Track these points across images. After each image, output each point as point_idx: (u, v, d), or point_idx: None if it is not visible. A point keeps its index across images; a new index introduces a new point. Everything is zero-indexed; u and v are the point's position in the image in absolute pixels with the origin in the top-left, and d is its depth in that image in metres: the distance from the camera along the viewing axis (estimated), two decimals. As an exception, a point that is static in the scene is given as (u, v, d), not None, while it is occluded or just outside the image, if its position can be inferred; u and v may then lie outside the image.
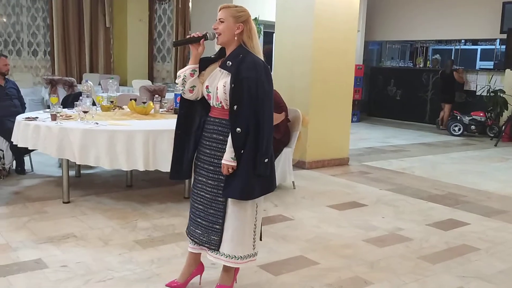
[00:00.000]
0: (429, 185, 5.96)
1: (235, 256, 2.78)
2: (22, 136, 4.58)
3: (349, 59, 6.86)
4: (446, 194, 5.54)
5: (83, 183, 5.37)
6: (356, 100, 11.14)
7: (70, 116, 4.74)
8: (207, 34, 2.73)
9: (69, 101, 5.77)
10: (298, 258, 3.57)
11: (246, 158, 2.64)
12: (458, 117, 10.44)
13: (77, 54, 10.82)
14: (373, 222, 4.45)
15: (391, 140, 9.50)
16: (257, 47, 2.75)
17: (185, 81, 2.77)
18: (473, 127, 10.27)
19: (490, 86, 10.54)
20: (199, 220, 2.85)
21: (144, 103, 5.36)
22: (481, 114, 10.31)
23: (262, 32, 10.65)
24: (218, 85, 2.71)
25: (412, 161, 7.42)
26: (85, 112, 4.62)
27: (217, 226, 2.77)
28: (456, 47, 12.75)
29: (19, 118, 4.76)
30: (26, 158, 5.73)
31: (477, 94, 11.07)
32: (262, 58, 2.75)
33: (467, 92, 11.31)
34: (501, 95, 9.98)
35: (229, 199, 2.73)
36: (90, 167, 5.65)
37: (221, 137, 2.74)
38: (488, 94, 10.41)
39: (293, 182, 5.48)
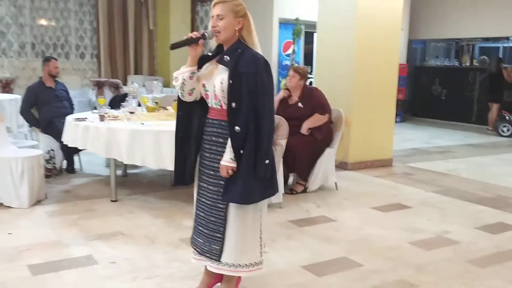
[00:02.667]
0: (477, 187, 5.80)
1: (239, 265, 2.66)
2: (72, 136, 4.73)
3: (392, 58, 6.77)
4: (495, 197, 5.39)
5: (130, 182, 5.50)
6: (399, 100, 10.93)
7: (117, 116, 4.87)
8: (205, 34, 2.58)
9: (116, 102, 5.93)
10: (341, 259, 3.55)
11: (246, 159, 2.50)
12: (507, 117, 10.10)
13: (122, 56, 11.07)
14: (419, 225, 4.37)
15: (436, 141, 9.30)
16: (256, 42, 2.62)
17: (184, 84, 2.61)
18: (523, 127, 9.93)
19: (540, 84, 10.17)
20: (200, 228, 2.74)
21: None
22: (532, 114, 9.96)
23: (303, 32, 10.65)
24: (215, 81, 2.57)
25: (459, 163, 7.24)
26: (131, 112, 4.74)
27: (218, 235, 2.65)
28: (504, 45, 12.35)
29: (69, 119, 4.92)
30: (76, 158, 5.90)
31: (526, 93, 10.68)
32: (261, 53, 2.61)
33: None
34: (552, 94, 9.61)
35: (230, 205, 2.60)
36: (136, 167, 5.78)
37: (220, 140, 2.60)
38: (538, 93, 10.04)
39: (335, 183, 5.44)
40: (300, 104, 5.22)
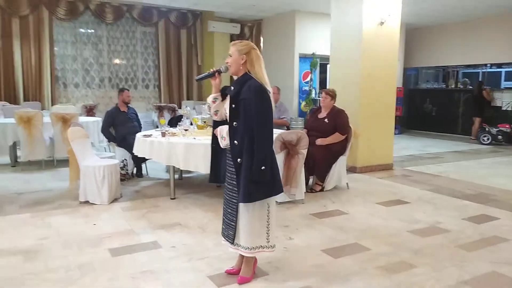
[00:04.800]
0: (463, 186, 5.65)
1: (248, 247, 2.70)
2: (141, 149, 4.83)
3: (391, 83, 6.69)
4: (478, 194, 5.23)
5: (185, 184, 5.56)
6: (397, 116, 10.75)
7: (175, 133, 4.95)
8: (221, 68, 2.69)
9: (173, 122, 6.04)
10: (353, 244, 3.52)
11: (245, 167, 2.54)
12: (487, 128, 9.82)
13: (177, 86, 11.26)
14: (416, 217, 4.29)
15: (428, 149, 9.10)
16: (259, 73, 2.59)
17: (210, 107, 2.72)
18: (500, 137, 9.62)
19: (514, 102, 9.87)
20: (224, 217, 2.81)
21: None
22: (507, 126, 9.64)
23: (318, 64, 10.63)
24: (227, 107, 2.65)
25: (448, 166, 7.07)
26: (186, 130, 4.82)
27: (233, 223, 2.71)
28: (483, 70, 12.03)
29: (138, 135, 5.03)
30: (143, 165, 5.99)
31: (502, 109, 10.37)
32: (264, 81, 2.58)
33: (494, 107, 10.63)
34: (525, 109, 9.32)
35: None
36: (190, 172, 5.86)
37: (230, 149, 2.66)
38: (512, 109, 9.75)
39: (347, 183, 5.39)
40: (326, 120, 5.21)
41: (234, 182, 2.65)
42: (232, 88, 2.62)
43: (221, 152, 2.80)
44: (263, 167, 2.52)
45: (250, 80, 2.57)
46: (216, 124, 2.81)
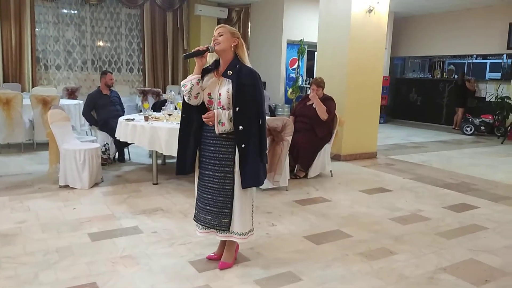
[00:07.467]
0: (445, 175, 5.73)
1: (243, 233, 2.68)
2: (123, 133, 4.77)
3: (377, 71, 6.70)
4: (459, 183, 5.32)
5: (167, 169, 5.52)
6: (383, 105, 10.82)
7: (158, 118, 4.89)
8: (209, 48, 2.57)
9: (157, 106, 5.96)
10: (335, 231, 3.55)
11: (253, 152, 2.52)
12: (470, 119, 9.97)
13: (162, 70, 11.12)
14: (397, 204, 4.34)
15: (412, 138, 9.20)
16: (247, 60, 2.63)
17: (192, 89, 2.56)
18: (482, 127, 9.78)
19: (497, 93, 9.99)
20: (208, 207, 2.68)
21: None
22: (490, 117, 9.81)
23: (306, 51, 10.59)
24: (221, 91, 2.55)
25: (430, 156, 7.16)
26: (169, 114, 4.76)
27: (226, 211, 2.63)
28: (469, 61, 12.14)
29: (121, 119, 4.95)
30: (125, 150, 5.93)
31: (486, 100, 10.53)
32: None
33: (478, 98, 10.78)
34: (507, 101, 9.48)
35: (236, 187, 2.60)
36: (173, 157, 5.79)
37: (224, 135, 2.58)
38: (496, 100, 9.88)
39: (331, 171, 5.42)
40: (314, 106, 5.20)
41: (227, 169, 2.59)
42: (230, 72, 2.54)
43: (189, 141, 2.68)
44: (267, 151, 2.59)
45: (244, 66, 2.56)
46: (186, 109, 2.66)
